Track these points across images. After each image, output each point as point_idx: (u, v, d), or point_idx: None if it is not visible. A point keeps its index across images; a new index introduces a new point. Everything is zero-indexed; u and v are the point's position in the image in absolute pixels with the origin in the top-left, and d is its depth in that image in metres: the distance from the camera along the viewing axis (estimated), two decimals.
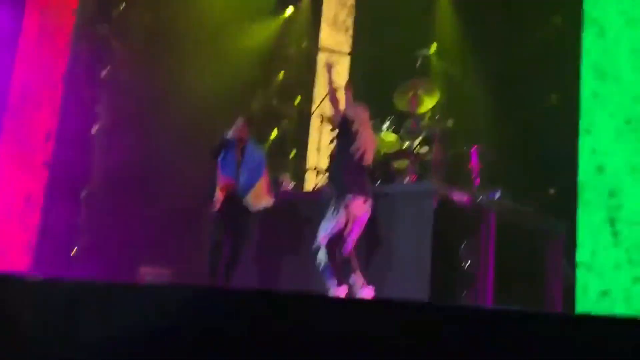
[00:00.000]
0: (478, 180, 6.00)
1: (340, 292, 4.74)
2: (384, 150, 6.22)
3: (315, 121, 8.11)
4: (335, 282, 4.78)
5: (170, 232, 7.91)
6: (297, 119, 8.65)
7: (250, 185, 5.65)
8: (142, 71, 8.99)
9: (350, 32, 8.94)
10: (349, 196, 4.79)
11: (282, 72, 8.94)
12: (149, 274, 7.91)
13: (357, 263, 4.89)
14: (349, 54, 8.65)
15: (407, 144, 6.09)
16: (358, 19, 8.86)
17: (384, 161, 6.23)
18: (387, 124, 6.22)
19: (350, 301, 3.47)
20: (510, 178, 6.36)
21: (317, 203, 5.69)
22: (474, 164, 6.07)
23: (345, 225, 4.84)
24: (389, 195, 5.59)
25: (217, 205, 5.59)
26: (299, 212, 6.14)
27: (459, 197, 5.58)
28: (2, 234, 8.34)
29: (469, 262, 5.53)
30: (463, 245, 5.52)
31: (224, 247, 5.67)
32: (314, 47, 9.01)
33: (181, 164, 8.45)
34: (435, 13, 7.65)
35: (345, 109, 5.06)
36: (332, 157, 5.92)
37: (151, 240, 7.97)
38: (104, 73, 8.52)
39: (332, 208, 4.84)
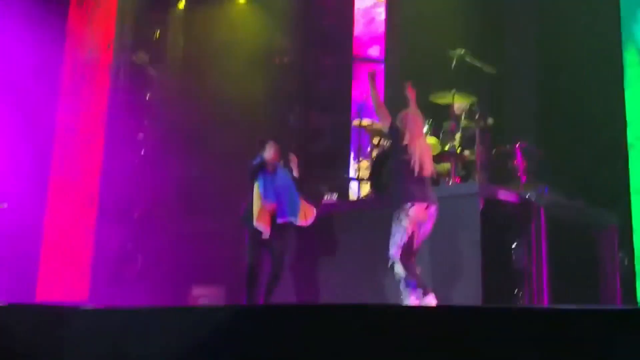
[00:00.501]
0: (524, 178, 5.89)
1: (430, 300, 4.65)
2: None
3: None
4: (422, 292, 4.67)
5: (220, 251, 7.99)
6: (336, 129, 8.66)
7: (295, 207, 5.68)
8: (181, 95, 9.18)
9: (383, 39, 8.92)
10: (409, 205, 4.73)
11: (319, 83, 8.98)
12: (201, 294, 8.01)
13: (416, 271, 4.83)
14: (383, 61, 8.62)
15: (448, 146, 6.01)
16: (389, 25, 8.83)
17: None
18: (426, 127, 6.16)
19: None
20: (558, 173, 6.24)
21: (363, 213, 5.66)
22: (519, 161, 5.96)
23: (412, 234, 4.80)
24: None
25: (268, 232, 5.63)
26: (345, 222, 6.13)
27: (506, 196, 5.48)
28: (58, 264, 8.57)
29: (522, 261, 5.42)
30: (514, 245, 5.42)
31: (262, 268, 5.72)
32: (348, 56, 9.03)
33: (227, 182, 8.56)
34: (468, 10, 7.56)
35: (402, 119, 4.97)
36: (378, 167, 5.91)
37: (202, 260, 8.08)
38: (144, 100, 8.72)
39: (396, 220, 4.78)
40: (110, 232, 8.27)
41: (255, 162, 5.77)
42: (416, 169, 4.76)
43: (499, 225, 5.33)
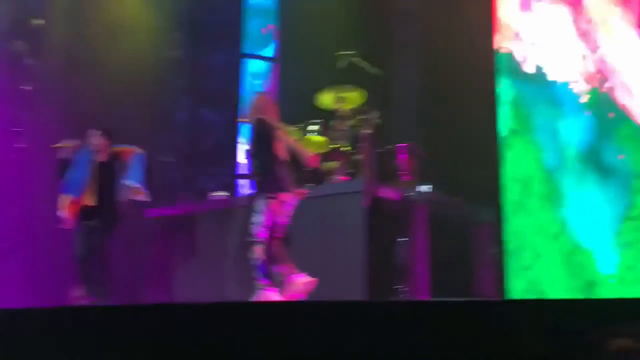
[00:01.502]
0: (408, 177, 6.11)
1: (270, 296, 4.77)
2: (313, 152, 6.25)
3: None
4: (268, 283, 4.81)
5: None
6: (225, 126, 8.60)
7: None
8: (63, 86, 8.78)
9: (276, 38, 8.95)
10: (271, 194, 4.91)
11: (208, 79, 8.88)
12: (83, 294, 7.72)
13: (284, 254, 4.93)
14: (274, 59, 8.66)
15: (335, 144, 6.14)
16: (281, 24, 8.88)
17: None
18: (314, 126, 6.26)
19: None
20: (440, 172, 6.52)
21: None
22: (403, 160, 6.17)
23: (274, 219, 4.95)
24: (319, 197, 5.64)
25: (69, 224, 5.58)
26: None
27: (390, 194, 5.68)
28: None
29: (405, 257, 5.63)
30: (397, 241, 5.62)
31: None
32: (238, 53, 8.98)
33: None
34: (358, 13, 7.75)
35: (260, 113, 5.13)
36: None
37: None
38: (22, 91, 8.27)
39: (261, 202, 4.92)
40: None
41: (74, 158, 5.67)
42: (278, 155, 5.00)
43: (383, 222, 5.52)
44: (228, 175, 8.34)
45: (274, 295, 4.82)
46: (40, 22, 8.37)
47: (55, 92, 8.55)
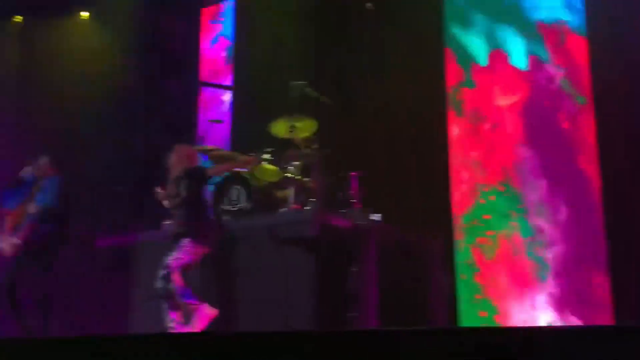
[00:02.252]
0: (359, 205, 6.16)
1: (207, 310, 5.05)
2: (265, 181, 6.28)
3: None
4: (196, 302, 5.08)
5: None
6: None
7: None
8: (16, 113, 8.68)
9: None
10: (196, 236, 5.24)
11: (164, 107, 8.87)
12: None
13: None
14: (229, 87, 8.71)
15: (288, 173, 6.18)
16: (237, 51, 8.94)
17: (267, 191, 6.29)
18: (267, 155, 6.29)
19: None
20: (390, 199, 6.59)
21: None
22: (354, 189, 6.23)
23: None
24: (271, 225, 5.66)
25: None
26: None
27: (340, 222, 5.72)
28: None
29: (355, 285, 5.65)
30: (347, 270, 5.64)
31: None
32: (194, 81, 9.01)
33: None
34: (310, 42, 7.86)
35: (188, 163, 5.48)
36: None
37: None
38: None
39: (182, 242, 5.17)
40: None
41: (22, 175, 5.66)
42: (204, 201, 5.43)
43: (333, 251, 5.55)
44: None
45: (208, 310, 5.03)
46: None
47: (6, 118, 8.45)
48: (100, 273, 6.95)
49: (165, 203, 5.55)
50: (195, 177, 5.42)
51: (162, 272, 5.09)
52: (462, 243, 6.78)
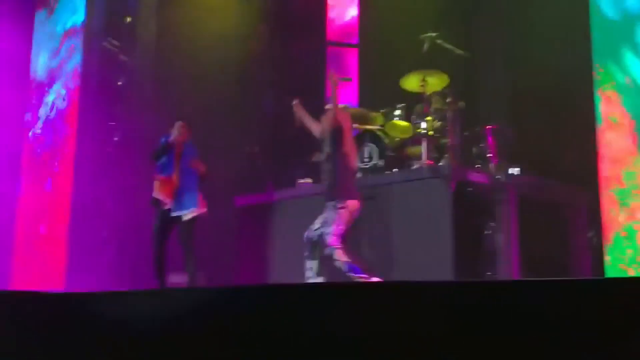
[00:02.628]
0: (496, 159, 5.93)
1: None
2: (397, 137, 6.19)
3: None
4: (366, 275, 4.88)
5: (200, 239, 7.97)
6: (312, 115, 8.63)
7: (189, 199, 5.72)
8: (154, 81, 9.09)
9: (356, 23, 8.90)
10: (344, 200, 5.06)
11: (292, 68, 8.95)
12: (179, 282, 7.98)
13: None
14: (356, 45, 8.61)
15: (420, 129, 6.04)
16: (362, 9, 8.81)
17: (399, 148, 6.20)
18: (398, 111, 6.18)
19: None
20: (530, 154, 6.28)
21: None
22: (490, 143, 6.00)
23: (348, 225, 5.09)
24: (405, 181, 5.58)
25: (168, 202, 5.66)
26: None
27: (477, 177, 5.54)
28: (33, 255, 8.50)
29: (493, 242, 5.48)
30: (485, 225, 5.47)
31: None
32: (321, 41, 9.00)
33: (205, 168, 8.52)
34: None
35: (335, 117, 5.22)
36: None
37: (180, 248, 8.04)
38: (116, 86, 8.62)
39: (333, 211, 5.03)
40: (85, 221, 8.21)
41: (160, 142, 5.79)
42: (348, 161, 5.17)
43: (470, 207, 5.39)
44: (311, 161, 8.38)
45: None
46: (131, 19, 8.71)
47: (146, 87, 8.88)
48: (241, 231, 7.15)
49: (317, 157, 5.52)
50: (338, 134, 5.22)
51: (326, 251, 5.00)
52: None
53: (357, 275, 4.88)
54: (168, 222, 5.69)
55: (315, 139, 5.55)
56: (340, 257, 4.92)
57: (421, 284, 2.92)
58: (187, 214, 5.72)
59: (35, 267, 8.47)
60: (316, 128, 5.49)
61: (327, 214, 5.06)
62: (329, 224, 5.01)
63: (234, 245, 7.09)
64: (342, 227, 5.01)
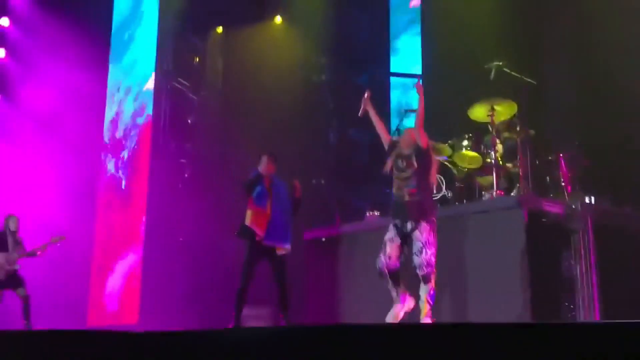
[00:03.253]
0: (569, 187, 5.80)
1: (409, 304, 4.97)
2: (466, 168, 6.13)
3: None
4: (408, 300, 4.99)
5: (267, 270, 8.04)
6: (375, 144, 8.66)
7: (287, 233, 5.74)
8: (222, 117, 9.33)
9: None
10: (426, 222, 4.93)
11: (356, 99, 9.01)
12: (250, 314, 8.06)
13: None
14: (420, 75, 8.62)
15: (490, 158, 5.97)
16: (425, 38, 8.83)
17: (468, 178, 6.14)
18: (466, 141, 6.13)
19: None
20: (603, 180, 6.12)
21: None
22: (563, 171, 5.88)
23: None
24: (476, 213, 5.50)
25: (262, 234, 5.66)
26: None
27: (551, 206, 5.41)
28: (107, 291, 8.76)
29: (571, 272, 5.33)
30: (561, 256, 5.33)
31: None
32: (385, 71, 9.06)
33: None
34: (504, 21, 7.52)
35: (423, 140, 5.06)
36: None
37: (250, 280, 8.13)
38: (187, 124, 8.89)
39: (428, 232, 4.87)
40: (157, 256, 8.43)
41: (252, 175, 5.83)
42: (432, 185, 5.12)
43: (545, 237, 5.26)
44: (379, 193, 8.38)
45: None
46: (199, 59, 9.01)
47: (214, 123, 9.12)
48: (309, 265, 7.18)
49: (388, 169, 5.33)
50: (426, 154, 5.05)
51: (424, 270, 4.81)
52: None
53: (431, 304, 4.80)
54: (260, 254, 5.73)
55: (382, 151, 5.43)
56: (432, 282, 4.82)
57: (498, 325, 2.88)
58: (283, 249, 5.75)
59: (109, 303, 8.72)
60: (385, 135, 5.38)
61: (426, 236, 4.83)
62: (430, 245, 4.82)
63: (303, 279, 7.10)
64: (432, 238, 4.84)
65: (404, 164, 5.03)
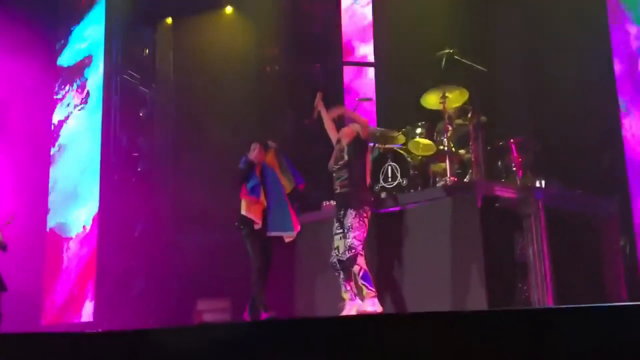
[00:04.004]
0: (521, 172, 5.90)
1: (374, 302, 5.04)
2: (420, 155, 6.17)
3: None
4: (373, 290, 5.06)
5: (224, 264, 7.99)
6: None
7: (286, 220, 5.83)
8: (174, 109, 9.19)
9: (371, 42, 8.93)
10: (366, 207, 5.22)
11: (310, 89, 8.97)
12: (207, 308, 8.00)
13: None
14: (372, 64, 8.64)
15: (443, 145, 6.02)
16: (376, 26, 8.84)
17: (422, 166, 6.18)
18: (419, 129, 6.17)
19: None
20: (555, 165, 6.24)
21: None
22: (514, 156, 5.97)
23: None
24: (430, 199, 5.55)
25: (259, 221, 5.77)
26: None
27: (503, 191, 5.49)
28: (61, 289, 8.57)
29: (524, 255, 5.42)
30: (514, 240, 5.42)
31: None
32: (337, 61, 9.03)
33: (225, 193, 8.56)
34: (453, 8, 7.58)
35: (361, 130, 5.39)
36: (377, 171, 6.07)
37: (206, 273, 8.07)
38: (138, 117, 8.72)
39: (358, 219, 5.13)
40: (112, 251, 8.27)
41: (243, 164, 5.85)
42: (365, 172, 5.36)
43: (498, 222, 5.34)
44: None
45: (376, 303, 5.02)
46: (148, 51, 8.84)
47: (166, 115, 8.98)
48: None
49: (331, 165, 5.54)
50: (360, 147, 5.41)
51: (346, 254, 5.09)
52: None
53: (368, 286, 5.02)
54: (267, 242, 5.79)
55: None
56: (361, 263, 5.05)
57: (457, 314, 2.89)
58: (289, 236, 5.89)
59: (63, 301, 8.54)
60: (334, 133, 5.63)
61: (350, 221, 5.14)
62: (354, 230, 5.10)
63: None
64: (364, 234, 5.12)
65: (340, 158, 5.38)
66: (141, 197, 8.53)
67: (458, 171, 6.01)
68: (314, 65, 8.96)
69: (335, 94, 8.92)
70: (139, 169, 8.62)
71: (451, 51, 6.22)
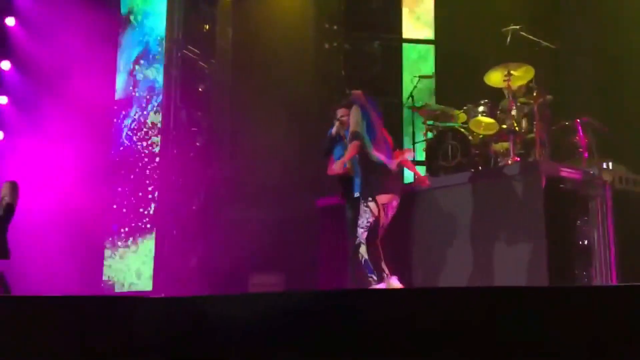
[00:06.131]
0: (587, 153, 5.72)
1: (382, 286, 4.86)
2: (481, 134, 6.05)
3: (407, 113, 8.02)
4: (375, 277, 4.91)
5: (278, 238, 8.06)
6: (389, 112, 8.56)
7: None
8: (233, 85, 9.26)
9: (432, 19, 8.77)
10: (375, 194, 5.01)
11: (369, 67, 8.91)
12: (261, 282, 8.09)
13: (380, 255, 5.01)
14: (433, 42, 8.49)
15: (506, 125, 5.87)
16: (437, 3, 8.68)
17: (483, 145, 6.06)
18: (482, 107, 6.04)
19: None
20: (622, 147, 6.03)
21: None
22: (580, 136, 5.79)
23: (377, 219, 5.00)
24: (492, 179, 5.44)
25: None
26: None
27: (568, 172, 5.34)
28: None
29: (587, 239, 5.28)
30: (578, 222, 5.27)
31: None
32: (397, 39, 8.92)
33: (281, 169, 8.61)
34: None
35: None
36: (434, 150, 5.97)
37: (261, 248, 8.15)
38: (197, 92, 8.81)
39: (363, 206, 5.01)
40: (169, 225, 8.43)
41: (329, 135, 5.68)
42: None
43: (562, 203, 5.20)
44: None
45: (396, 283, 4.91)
46: (208, 27, 8.90)
47: (224, 91, 9.05)
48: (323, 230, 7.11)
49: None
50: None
51: (355, 242, 5.03)
52: None
53: (368, 274, 4.91)
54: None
55: None
56: (363, 252, 4.95)
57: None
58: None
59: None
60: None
61: (360, 209, 5.06)
62: (360, 217, 5.02)
63: (315, 245, 7.08)
64: (370, 222, 4.95)
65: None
66: (199, 171, 8.64)
67: (521, 151, 5.86)
68: (373, 42, 8.86)
69: (395, 71, 8.83)
70: (197, 144, 8.72)
71: (517, 27, 6.04)
